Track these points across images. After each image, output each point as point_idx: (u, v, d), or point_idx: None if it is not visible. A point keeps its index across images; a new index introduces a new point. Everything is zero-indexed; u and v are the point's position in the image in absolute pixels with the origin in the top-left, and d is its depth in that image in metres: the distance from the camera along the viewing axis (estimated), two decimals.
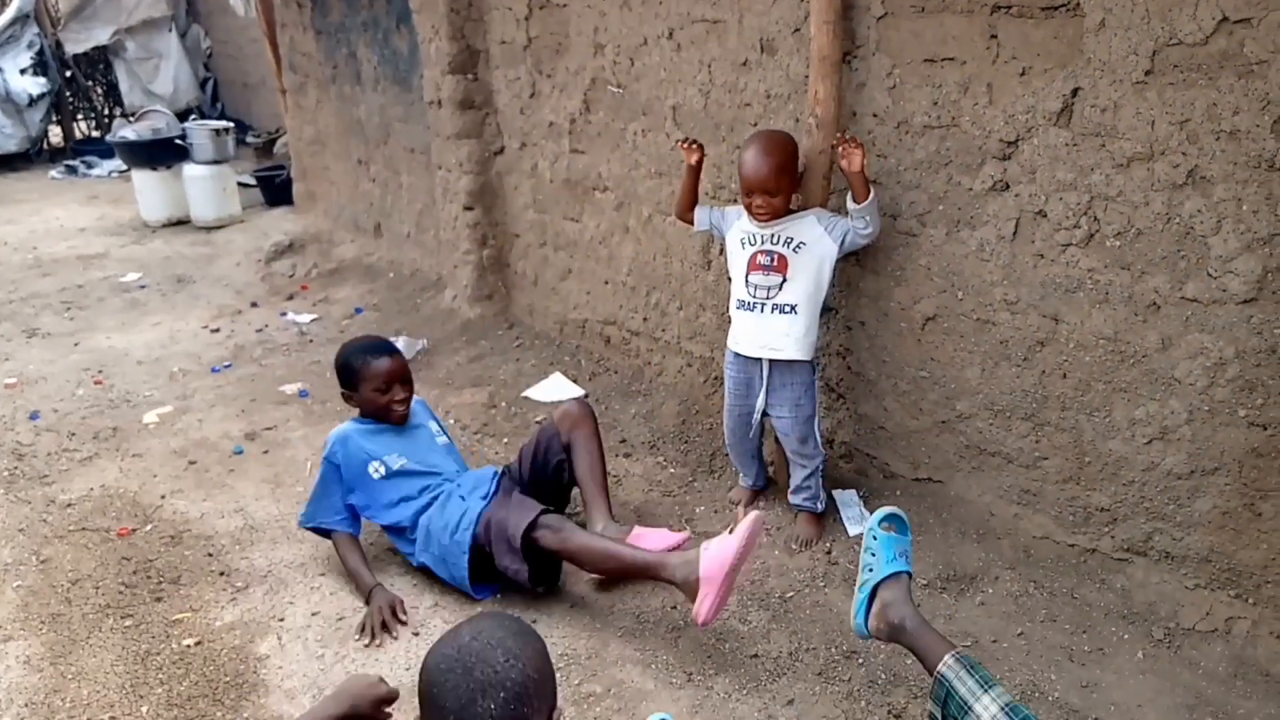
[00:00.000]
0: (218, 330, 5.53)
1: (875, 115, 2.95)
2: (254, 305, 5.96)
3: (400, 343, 4.76)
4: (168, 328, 5.62)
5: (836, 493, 3.18)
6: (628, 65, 3.84)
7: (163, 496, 3.64)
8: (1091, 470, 2.66)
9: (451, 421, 4.11)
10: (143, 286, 6.43)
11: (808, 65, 3.07)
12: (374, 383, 3.10)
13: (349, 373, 3.15)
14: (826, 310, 3.20)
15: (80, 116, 12.26)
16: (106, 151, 10.43)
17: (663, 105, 3.72)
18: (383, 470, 3.04)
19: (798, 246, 2.87)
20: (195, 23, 12.10)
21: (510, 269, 5.02)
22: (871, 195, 2.80)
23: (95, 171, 10.71)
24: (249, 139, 10.84)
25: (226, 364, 4.99)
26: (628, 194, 4.06)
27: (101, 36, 11.40)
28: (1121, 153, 2.42)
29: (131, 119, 8.91)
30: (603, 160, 4.14)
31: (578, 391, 4.24)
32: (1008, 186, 2.67)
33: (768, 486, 3.31)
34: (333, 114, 6.53)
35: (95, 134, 12.15)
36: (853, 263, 3.12)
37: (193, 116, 9.04)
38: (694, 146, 3.09)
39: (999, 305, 2.76)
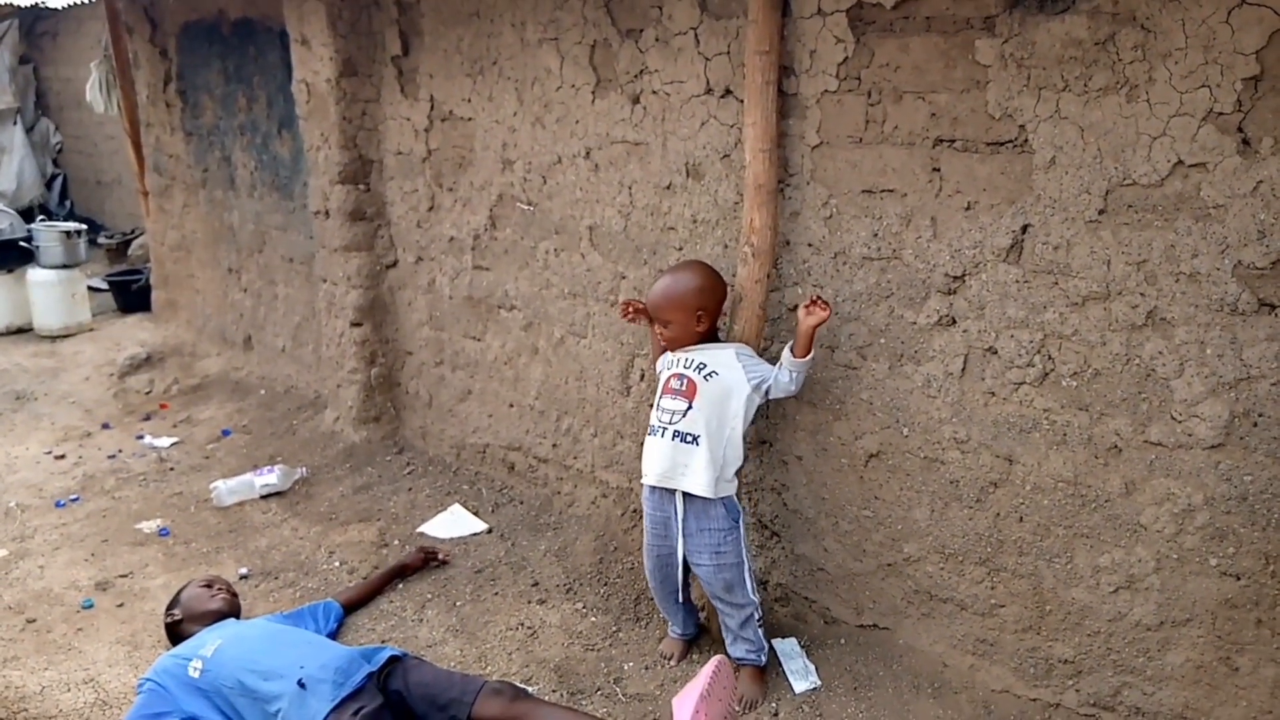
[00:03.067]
0: (63, 456, 4.94)
1: (810, 245, 2.84)
2: (105, 427, 5.39)
3: (275, 472, 4.34)
4: (3, 453, 4.99)
5: (776, 642, 2.95)
6: (540, 183, 3.67)
7: None
8: (1053, 620, 2.53)
9: (337, 564, 3.70)
10: None
11: (738, 191, 2.96)
12: (196, 584, 3.15)
13: (172, 605, 3.11)
14: (761, 445, 3.03)
15: None
16: None
17: (578, 225, 3.55)
18: (200, 666, 2.66)
19: (709, 375, 2.72)
20: (44, 116, 11.39)
21: (401, 389, 4.69)
22: (811, 356, 2.69)
23: None
24: (101, 239, 10.13)
25: (74, 497, 4.42)
26: (537, 314, 3.84)
27: None
28: (1076, 291, 2.36)
29: None
30: (510, 278, 3.92)
31: (479, 526, 3.91)
32: (954, 321, 2.58)
33: (699, 635, 3.05)
34: (201, 219, 6.10)
35: None
36: None
37: (39, 216, 8.33)
38: (631, 310, 2.97)
39: (948, 443, 2.64)
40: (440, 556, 3.64)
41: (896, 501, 2.78)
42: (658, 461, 2.73)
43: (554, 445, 3.89)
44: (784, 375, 2.73)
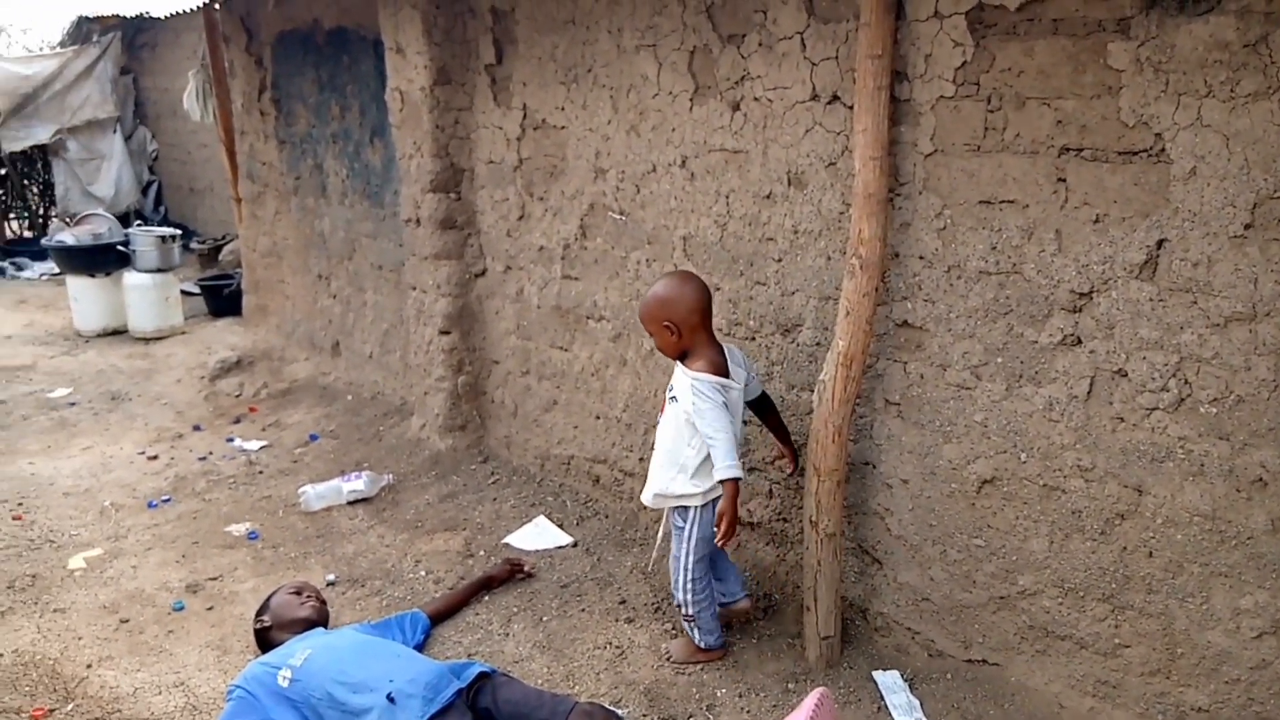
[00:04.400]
0: (155, 457, 5.02)
1: (922, 257, 2.72)
2: (197, 429, 5.48)
3: (362, 479, 4.34)
4: (99, 453, 5.10)
5: (878, 675, 2.82)
6: (633, 192, 3.60)
7: (89, 665, 3.13)
8: (1185, 663, 2.35)
9: (423, 573, 3.67)
10: (72, 404, 5.90)
11: (843, 201, 2.85)
12: (285, 591, 3.21)
13: (262, 611, 3.18)
14: (864, 466, 2.90)
15: (13, 216, 11.72)
16: (39, 253, 9.92)
17: (671, 235, 3.47)
18: (289, 675, 2.64)
19: (672, 397, 2.83)
20: (142, 124, 11.77)
21: (487, 397, 4.66)
22: (733, 481, 2.70)
23: (25, 274, 10.15)
24: (193, 244, 10.41)
25: (165, 498, 4.49)
26: (626, 325, 3.76)
27: (41, 135, 10.96)
28: (1218, 311, 2.20)
29: (69, 221, 8.45)
30: (599, 288, 3.86)
31: (565, 539, 3.84)
32: (1080, 341, 2.43)
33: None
34: (292, 226, 6.19)
35: (28, 234, 11.62)
36: (893, 414, 2.84)
37: (135, 221, 8.57)
38: None
39: (1071, 471, 2.49)
40: (526, 569, 3.58)
41: (1011, 531, 2.63)
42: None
43: (640, 459, 3.81)
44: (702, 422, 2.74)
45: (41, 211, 11.87)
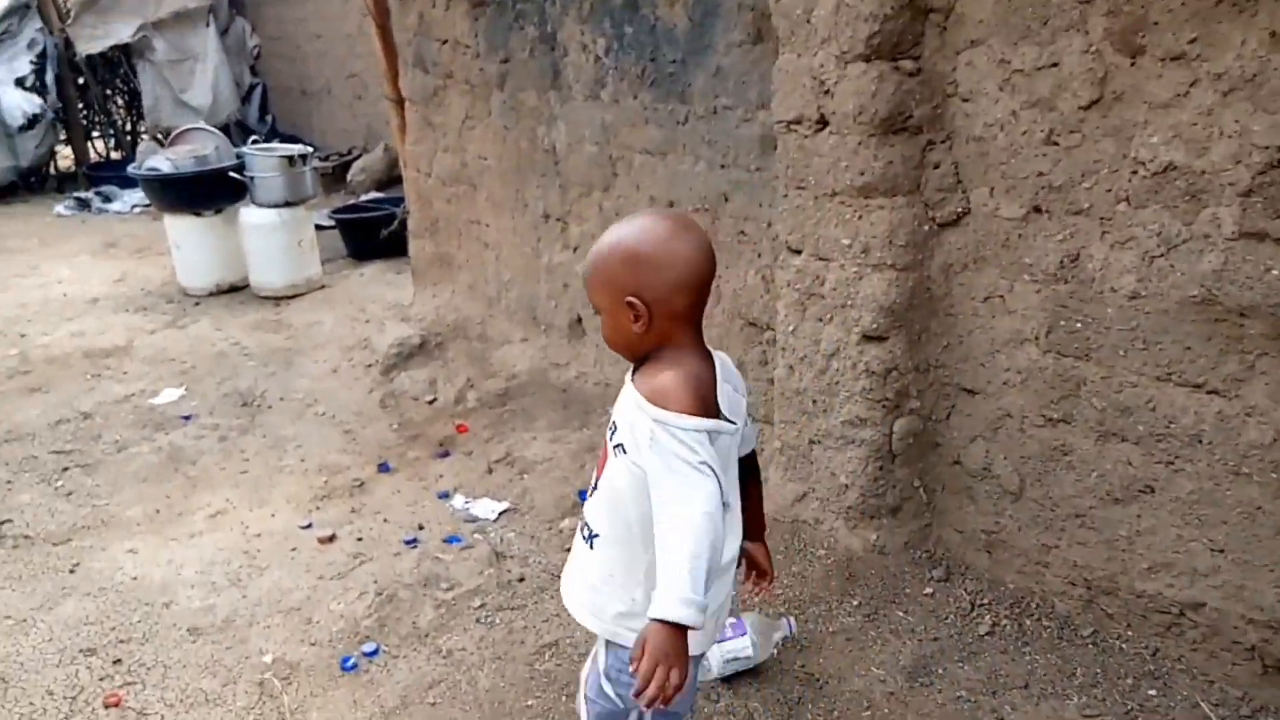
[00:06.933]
0: (332, 538, 3.01)
1: None
2: (384, 468, 3.46)
3: (745, 634, 2.24)
4: (237, 526, 3.12)
5: None
6: None
7: None
8: None
9: None
10: (187, 418, 3.94)
11: None
12: None
13: None
14: None
15: (96, 134, 9.83)
16: (128, 179, 8.01)
17: None
18: None
19: (617, 446, 1.44)
20: (239, 15, 9.65)
21: (942, 457, 2.49)
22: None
23: (114, 206, 8.28)
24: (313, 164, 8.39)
25: (369, 649, 2.47)
26: None
27: (123, 33, 8.96)
28: None
29: (162, 140, 6.48)
30: None
31: None
32: None
33: None
34: (495, 137, 4.03)
35: (115, 155, 9.74)
36: None
37: (251, 139, 6.43)
38: None
39: None
40: None
41: None
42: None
43: None
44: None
45: (128, 128, 9.96)
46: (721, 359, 1.52)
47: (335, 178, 7.86)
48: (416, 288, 4.84)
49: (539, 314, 4.01)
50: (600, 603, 1.52)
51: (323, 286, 5.61)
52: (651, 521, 1.36)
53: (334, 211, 6.42)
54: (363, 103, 8.26)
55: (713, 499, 1.31)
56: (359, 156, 7.89)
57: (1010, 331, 2.26)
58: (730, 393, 1.48)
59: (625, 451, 1.43)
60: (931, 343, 2.41)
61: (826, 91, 2.30)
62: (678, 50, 3.03)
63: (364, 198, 6.99)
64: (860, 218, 2.33)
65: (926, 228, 2.33)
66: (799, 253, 2.50)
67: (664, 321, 1.44)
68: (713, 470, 1.33)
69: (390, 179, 7.74)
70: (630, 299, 1.42)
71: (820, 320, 2.48)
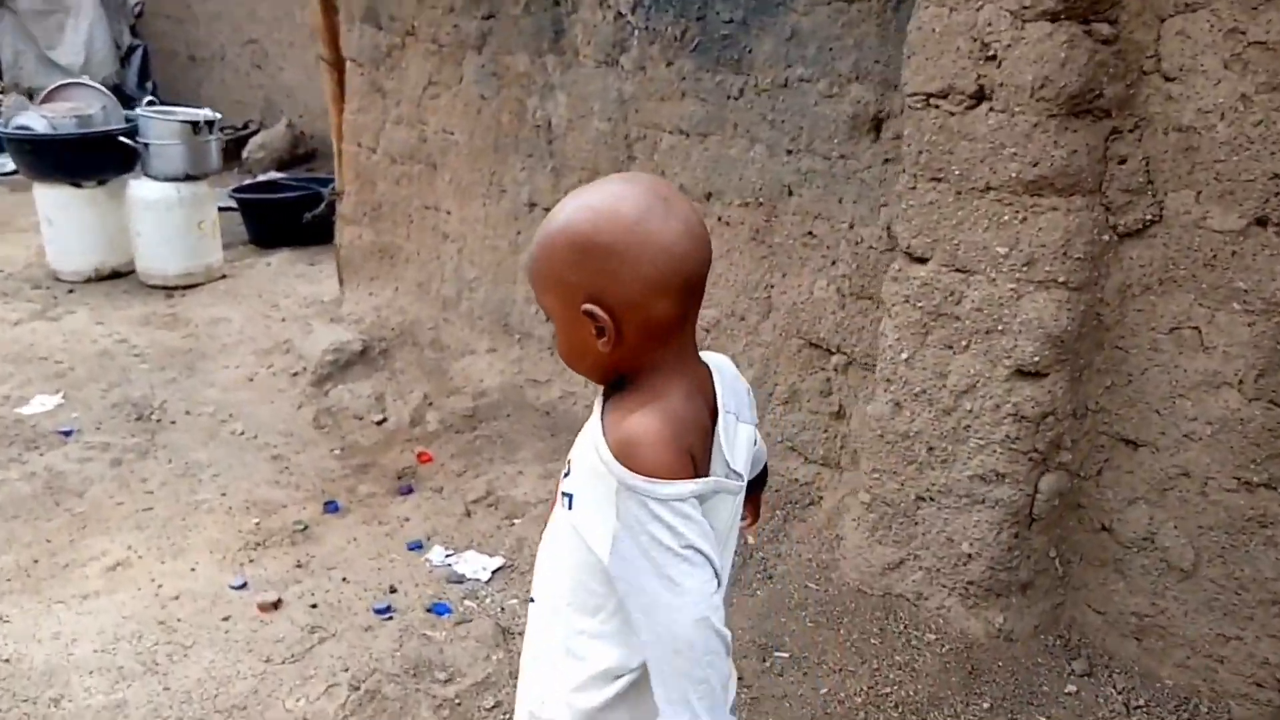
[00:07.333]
0: (276, 604, 2.31)
1: None
2: (331, 508, 2.77)
3: None
4: (144, 580, 2.39)
5: None
6: None
7: None
8: None
9: None
10: (68, 433, 3.15)
11: None
12: None
13: None
14: None
15: None
16: None
17: None
18: None
19: (565, 484, 1.07)
20: None
21: (1088, 520, 2.02)
22: None
23: None
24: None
25: None
26: None
27: None
28: None
29: (35, 99, 5.54)
30: None
31: None
32: None
33: None
34: (466, 109, 3.39)
35: None
36: None
37: (146, 99, 5.42)
38: None
39: None
40: None
41: None
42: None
43: None
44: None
45: None
46: (719, 368, 1.12)
47: (228, 154, 6.96)
48: (346, 283, 4.12)
49: (512, 320, 3.38)
50: (521, 689, 1.14)
51: (223, 276, 4.80)
52: (592, 588, 1.03)
53: (234, 190, 5.58)
54: (261, 72, 7.41)
55: (704, 600, 0.95)
56: (255, 132, 7.04)
57: (1204, 372, 1.80)
58: (733, 423, 1.08)
59: (571, 508, 1.04)
60: (1092, 381, 1.93)
61: (991, 57, 1.80)
62: (736, 7, 2.48)
63: (262, 177, 6.19)
64: (1024, 220, 1.83)
65: (1106, 237, 1.85)
66: (924, 261, 1.98)
67: (637, 335, 1.01)
68: (703, 554, 0.95)
69: (294, 158, 6.93)
70: (588, 306, 1.00)
71: (950, 348, 1.97)
